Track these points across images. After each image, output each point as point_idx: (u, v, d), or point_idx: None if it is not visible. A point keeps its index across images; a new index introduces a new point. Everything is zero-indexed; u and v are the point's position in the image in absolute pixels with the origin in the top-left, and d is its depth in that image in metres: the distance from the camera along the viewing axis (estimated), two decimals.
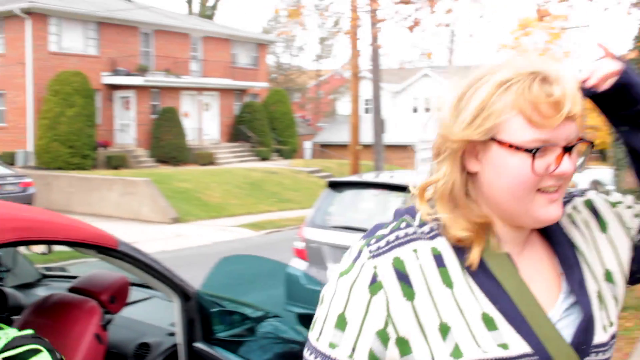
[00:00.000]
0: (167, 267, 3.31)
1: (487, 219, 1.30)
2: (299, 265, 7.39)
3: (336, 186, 7.73)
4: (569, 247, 1.38)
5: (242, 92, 37.74)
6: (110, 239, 3.03)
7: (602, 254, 1.40)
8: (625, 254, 1.42)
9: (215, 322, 3.50)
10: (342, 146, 38.00)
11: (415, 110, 47.39)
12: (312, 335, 1.34)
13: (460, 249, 1.29)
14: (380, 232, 1.34)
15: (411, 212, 1.36)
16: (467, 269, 1.27)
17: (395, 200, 7.38)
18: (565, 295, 1.33)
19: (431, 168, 1.36)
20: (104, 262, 3.23)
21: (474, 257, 1.27)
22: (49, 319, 3.10)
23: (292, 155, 38.00)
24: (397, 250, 1.29)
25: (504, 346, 1.23)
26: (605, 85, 1.28)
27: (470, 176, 1.32)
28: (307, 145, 44.59)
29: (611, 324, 1.37)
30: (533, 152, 1.22)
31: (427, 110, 47.15)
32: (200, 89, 34.70)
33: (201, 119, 34.74)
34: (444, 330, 1.24)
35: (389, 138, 32.36)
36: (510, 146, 1.23)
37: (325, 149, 43.91)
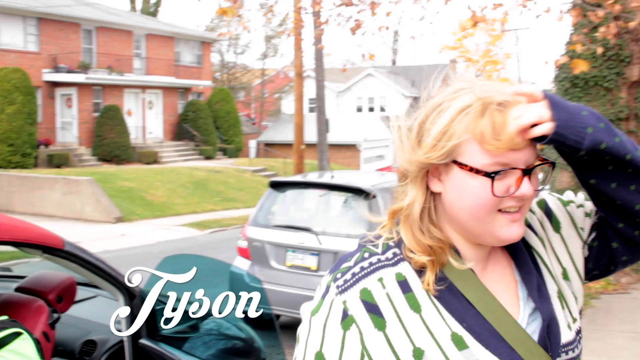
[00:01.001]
0: (112, 267, 3.40)
1: (447, 241, 1.34)
2: (242, 264, 7.50)
3: (278, 186, 7.86)
4: (528, 252, 1.42)
5: (185, 90, 37.51)
6: (55, 238, 3.08)
7: (558, 254, 1.45)
8: (578, 253, 1.47)
9: (159, 319, 3.59)
10: (287, 145, 38.03)
11: (359, 110, 47.72)
12: None
13: (424, 272, 1.32)
14: (345, 265, 1.36)
15: (372, 239, 1.40)
16: (435, 290, 1.31)
17: (337, 200, 7.55)
18: (525, 302, 1.37)
19: (395, 191, 1.40)
20: (48, 262, 3.28)
21: (429, 280, 1.31)
22: None
23: (237, 154, 37.91)
24: (363, 282, 1.32)
25: None
26: (538, 132, 1.24)
27: (434, 196, 1.35)
28: (252, 144, 44.49)
29: (574, 320, 1.42)
30: (492, 175, 1.25)
31: (371, 109, 47.55)
32: (144, 87, 34.34)
33: (145, 117, 34.41)
34: (418, 355, 1.27)
35: (333, 137, 32.56)
36: (471, 169, 1.27)
37: (270, 148, 43.88)
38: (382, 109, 47.12)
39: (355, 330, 1.29)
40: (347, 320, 1.30)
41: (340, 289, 1.32)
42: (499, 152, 1.25)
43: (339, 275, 1.35)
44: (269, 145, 44.30)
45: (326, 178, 8.04)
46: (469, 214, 1.30)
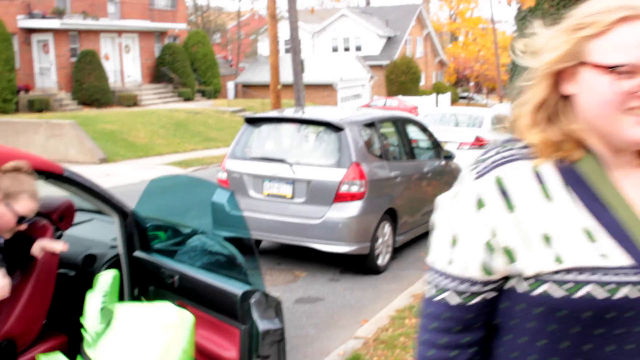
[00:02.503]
0: (106, 190, 3.86)
1: (581, 131, 1.35)
2: (222, 195, 7.98)
3: (253, 122, 8.31)
4: None
5: (161, 34, 37.40)
6: (55, 166, 3.51)
7: None
8: None
9: (150, 236, 4.05)
10: (265, 86, 38.15)
11: (335, 50, 47.74)
12: (430, 258, 1.45)
13: (561, 167, 1.35)
14: (487, 154, 1.41)
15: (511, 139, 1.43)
16: (569, 184, 1.33)
17: (305, 132, 8.03)
18: None
19: (523, 96, 1.42)
20: (46, 190, 3.67)
21: (561, 174, 1.34)
22: None
23: (216, 95, 38.03)
24: (499, 169, 1.35)
25: (604, 256, 1.27)
26: None
27: (564, 100, 1.37)
28: (230, 85, 44.51)
29: None
30: (620, 71, 1.26)
31: (347, 49, 47.57)
32: (119, 32, 34.23)
33: (122, 61, 34.39)
34: (546, 239, 1.29)
35: (309, 77, 32.76)
36: (599, 67, 1.28)
37: (248, 89, 43.93)
38: (358, 49, 47.16)
39: (487, 210, 1.33)
40: (479, 202, 1.35)
41: (477, 175, 1.37)
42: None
43: (478, 164, 1.40)
44: (246, 86, 44.35)
45: (298, 114, 8.51)
46: (596, 112, 1.30)
